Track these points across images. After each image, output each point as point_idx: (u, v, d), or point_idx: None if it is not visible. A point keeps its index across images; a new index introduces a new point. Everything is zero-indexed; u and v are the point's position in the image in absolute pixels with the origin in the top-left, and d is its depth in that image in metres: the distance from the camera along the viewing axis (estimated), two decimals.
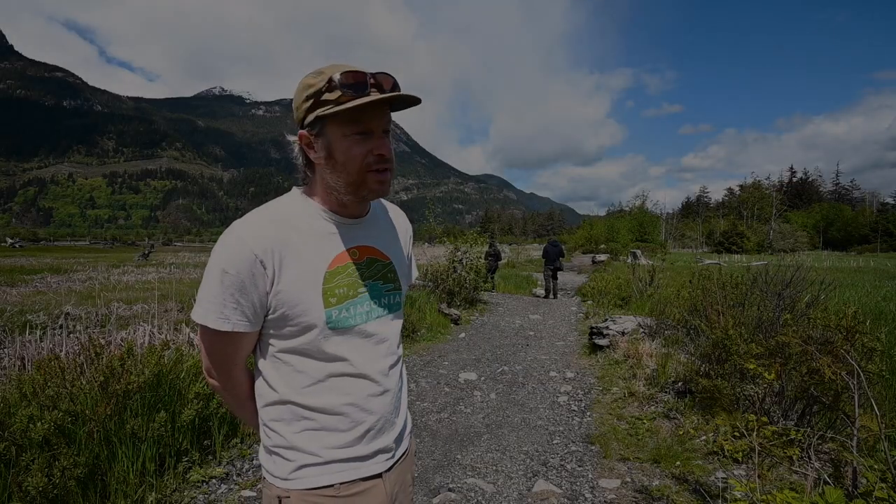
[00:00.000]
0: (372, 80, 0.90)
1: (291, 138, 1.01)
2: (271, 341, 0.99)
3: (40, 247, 57.81)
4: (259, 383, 1.04)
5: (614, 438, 3.54)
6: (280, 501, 0.99)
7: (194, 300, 0.97)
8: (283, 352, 0.98)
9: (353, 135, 0.91)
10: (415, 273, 1.31)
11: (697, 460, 3.10)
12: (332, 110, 0.88)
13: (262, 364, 1.02)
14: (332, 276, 0.97)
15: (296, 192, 1.03)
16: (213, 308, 0.91)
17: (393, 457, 1.09)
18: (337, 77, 0.87)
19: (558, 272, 12.69)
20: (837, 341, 2.67)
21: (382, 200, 1.17)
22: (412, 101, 0.93)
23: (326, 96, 0.89)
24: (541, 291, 13.36)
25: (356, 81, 0.88)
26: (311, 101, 0.91)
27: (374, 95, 0.89)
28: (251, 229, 0.92)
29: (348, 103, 0.87)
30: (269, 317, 0.95)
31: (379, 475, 1.04)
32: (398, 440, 1.12)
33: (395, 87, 0.92)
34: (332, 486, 0.98)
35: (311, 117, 0.92)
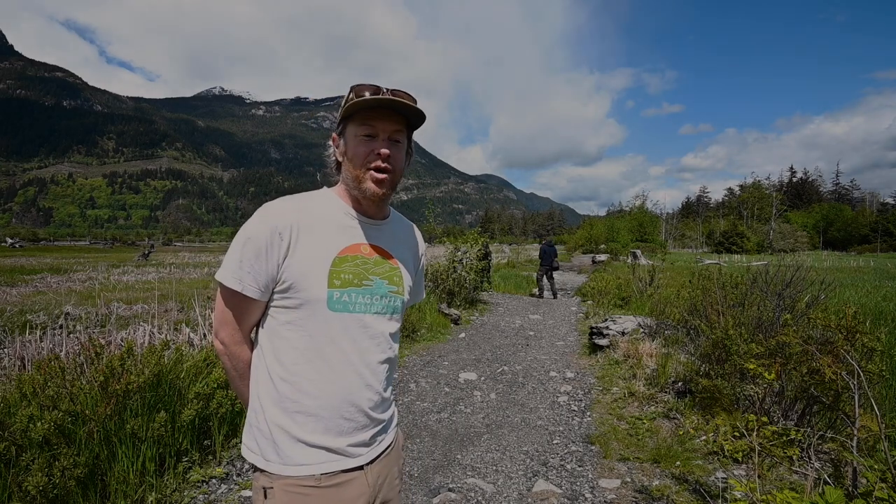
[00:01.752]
0: (389, 94, 1.02)
1: (329, 143, 1.18)
2: (274, 313, 1.07)
3: (40, 247, 57.79)
4: (256, 356, 1.10)
5: (614, 438, 3.54)
6: (265, 492, 1.03)
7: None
8: (283, 325, 1.05)
9: (362, 136, 1.05)
10: (423, 294, 1.38)
11: (697, 460, 3.10)
12: (345, 112, 1.05)
13: (262, 335, 1.09)
14: (340, 261, 1.07)
15: (325, 189, 1.17)
16: (232, 269, 1.03)
17: (375, 449, 1.13)
18: (355, 89, 1.04)
19: (554, 272, 12.77)
20: (837, 341, 2.67)
21: (403, 217, 1.28)
22: (417, 113, 1.06)
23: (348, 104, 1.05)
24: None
25: (365, 91, 1.02)
26: (341, 109, 1.07)
27: (384, 101, 1.03)
28: (277, 207, 1.06)
29: (351, 102, 1.02)
30: (277, 288, 1.05)
31: (360, 468, 1.08)
32: (381, 433, 1.16)
33: (409, 102, 1.04)
34: (313, 476, 1.02)
35: (340, 123, 1.10)
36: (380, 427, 1.14)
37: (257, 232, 1.02)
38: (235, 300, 1.05)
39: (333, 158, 1.14)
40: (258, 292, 1.03)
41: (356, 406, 1.07)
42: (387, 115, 1.04)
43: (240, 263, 1.02)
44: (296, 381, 1.03)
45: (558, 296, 12.73)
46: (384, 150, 1.03)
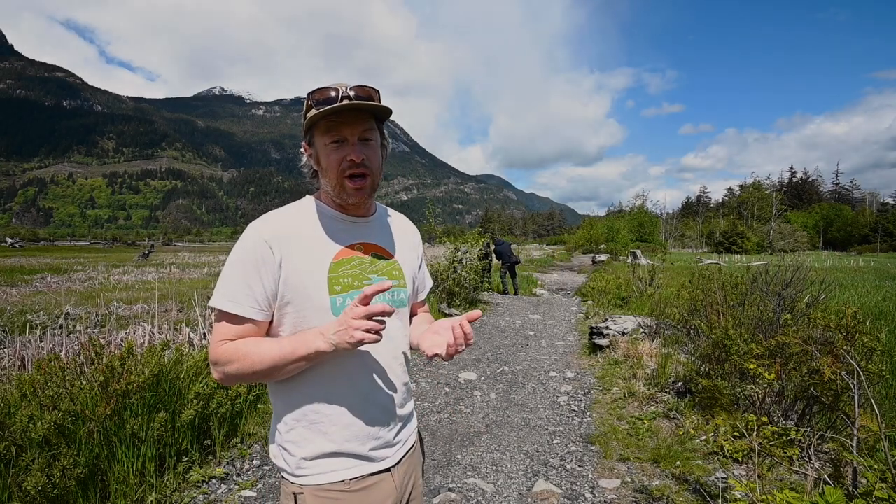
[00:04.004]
0: (347, 94, 0.99)
1: (301, 152, 1.13)
2: (281, 331, 1.04)
3: (40, 247, 57.77)
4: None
5: (614, 438, 3.54)
6: (296, 498, 1.03)
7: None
8: None
9: (331, 143, 1.02)
10: (429, 282, 1.37)
11: (697, 460, 3.10)
12: (308, 123, 1.02)
13: None
14: (337, 266, 1.04)
15: (307, 197, 1.15)
16: (227, 292, 1.00)
17: (400, 450, 1.14)
18: (313, 96, 1.01)
19: (515, 266, 13.11)
20: (837, 341, 2.67)
21: (389, 209, 1.25)
22: (382, 109, 1.02)
23: (311, 112, 1.00)
24: (541, 291, 13.36)
25: (323, 97, 0.99)
26: (304, 117, 1.04)
27: (346, 107, 0.98)
28: (263, 222, 1.03)
29: (309, 114, 1.00)
30: (278, 305, 1.02)
31: (387, 470, 1.09)
32: (405, 431, 1.16)
33: (370, 98, 1.01)
34: (342, 481, 1.03)
35: (307, 132, 1.07)
36: (402, 424, 1.15)
37: (247, 249, 1.00)
38: (234, 325, 1.00)
39: (308, 167, 1.11)
40: (259, 312, 1.00)
41: (378, 405, 1.07)
42: (353, 118, 1.00)
43: (234, 286, 0.99)
44: (315, 392, 1.02)
45: (518, 293, 12.81)
46: (357, 157, 1.00)
